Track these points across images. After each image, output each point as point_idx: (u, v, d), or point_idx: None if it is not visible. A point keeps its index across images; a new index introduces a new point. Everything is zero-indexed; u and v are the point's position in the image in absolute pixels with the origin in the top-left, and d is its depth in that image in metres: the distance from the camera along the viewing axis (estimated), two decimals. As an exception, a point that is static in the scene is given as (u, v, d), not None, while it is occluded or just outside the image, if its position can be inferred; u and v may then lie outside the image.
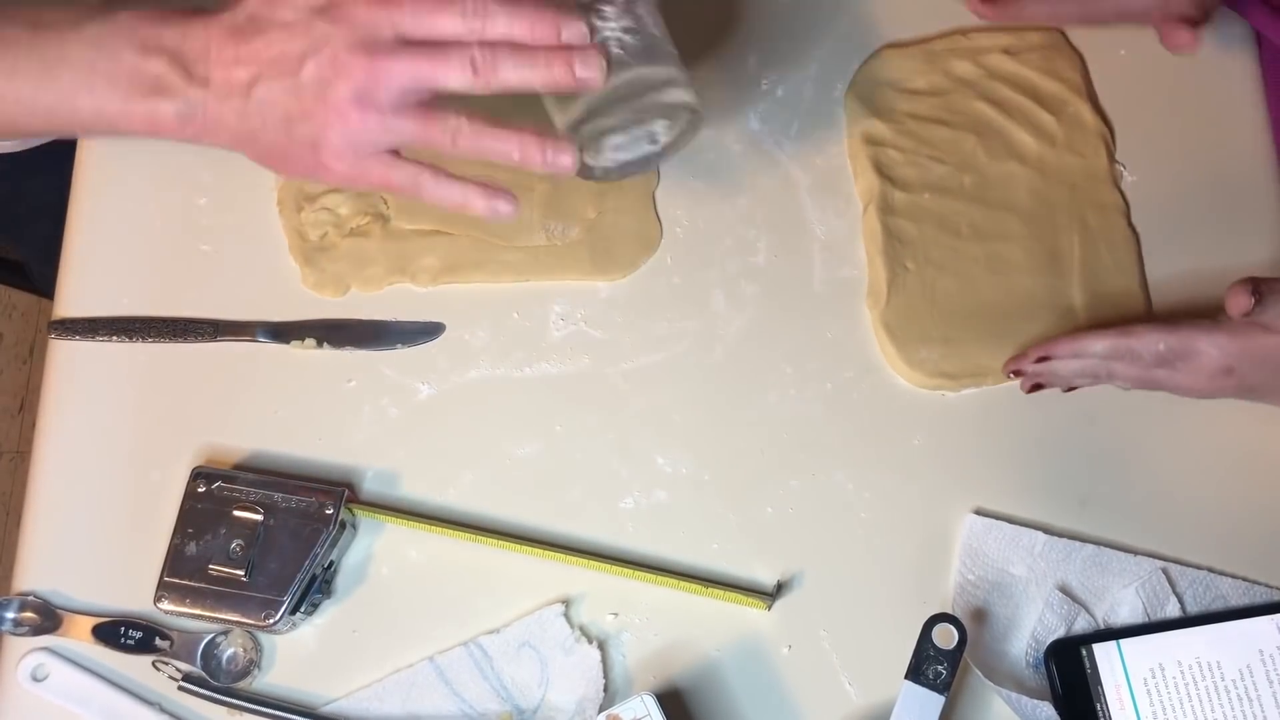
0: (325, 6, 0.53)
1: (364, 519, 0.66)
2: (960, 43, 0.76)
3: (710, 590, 0.64)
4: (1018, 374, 0.67)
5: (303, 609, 0.62)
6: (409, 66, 0.53)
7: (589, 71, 0.54)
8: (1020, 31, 0.76)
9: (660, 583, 0.64)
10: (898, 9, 0.77)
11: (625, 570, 0.64)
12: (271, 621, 0.61)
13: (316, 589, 0.63)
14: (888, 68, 0.75)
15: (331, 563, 0.64)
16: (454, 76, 0.53)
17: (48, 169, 0.87)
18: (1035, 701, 0.61)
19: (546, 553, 0.64)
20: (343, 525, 0.64)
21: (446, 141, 0.54)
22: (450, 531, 0.65)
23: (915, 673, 0.58)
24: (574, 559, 0.64)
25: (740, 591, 0.64)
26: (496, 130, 0.55)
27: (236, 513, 0.63)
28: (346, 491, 0.64)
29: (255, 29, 0.54)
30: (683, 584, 0.64)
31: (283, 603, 0.61)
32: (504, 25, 0.53)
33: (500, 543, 0.65)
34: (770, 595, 0.64)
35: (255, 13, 0.54)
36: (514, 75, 0.54)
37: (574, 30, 0.54)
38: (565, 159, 0.56)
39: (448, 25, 0.53)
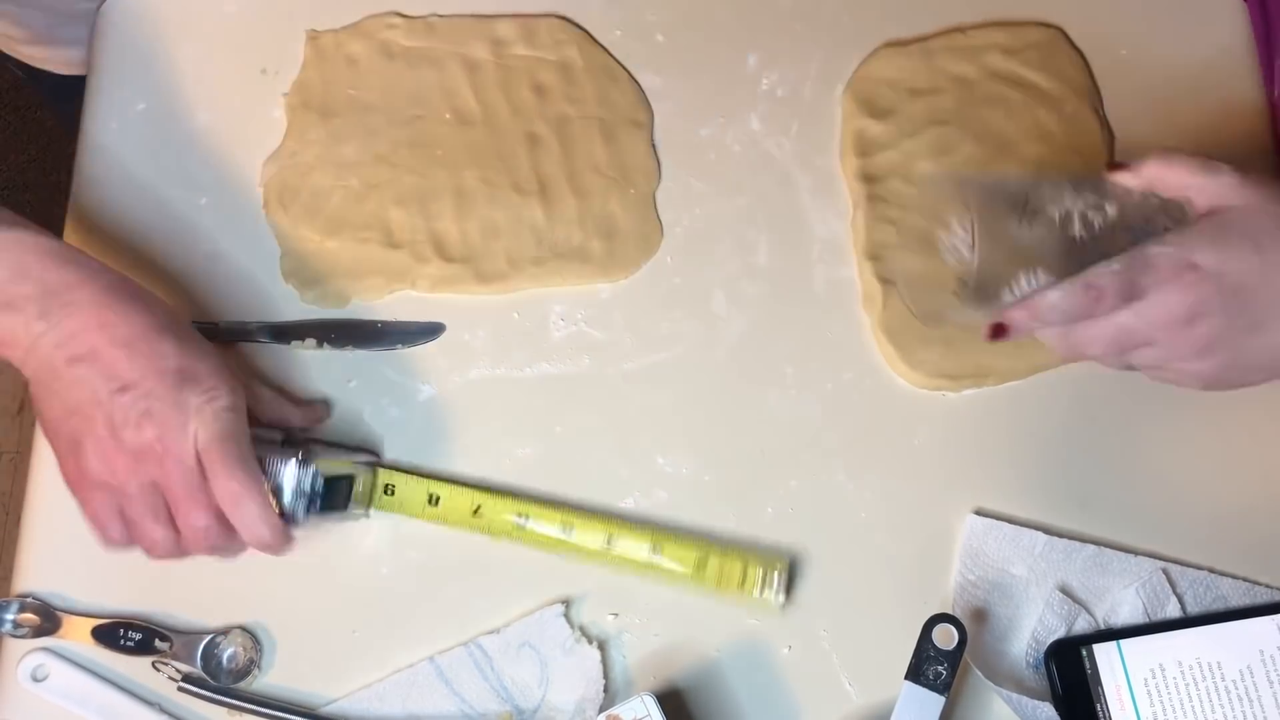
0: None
1: (375, 511, 0.66)
2: (958, 40, 0.76)
3: (727, 554, 0.63)
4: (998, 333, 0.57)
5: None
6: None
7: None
8: (1018, 29, 0.76)
9: (664, 576, 0.63)
10: (900, 6, 0.77)
11: (633, 550, 0.64)
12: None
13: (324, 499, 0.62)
14: (885, 66, 0.75)
15: (350, 476, 0.64)
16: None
17: None
18: (1035, 702, 0.61)
19: (547, 545, 0.64)
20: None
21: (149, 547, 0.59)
22: (461, 496, 0.65)
23: (915, 673, 0.58)
24: (574, 555, 0.64)
25: (757, 558, 0.63)
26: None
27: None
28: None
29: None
30: (696, 554, 0.63)
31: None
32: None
33: (501, 532, 0.65)
34: (783, 562, 0.64)
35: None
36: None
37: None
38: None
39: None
